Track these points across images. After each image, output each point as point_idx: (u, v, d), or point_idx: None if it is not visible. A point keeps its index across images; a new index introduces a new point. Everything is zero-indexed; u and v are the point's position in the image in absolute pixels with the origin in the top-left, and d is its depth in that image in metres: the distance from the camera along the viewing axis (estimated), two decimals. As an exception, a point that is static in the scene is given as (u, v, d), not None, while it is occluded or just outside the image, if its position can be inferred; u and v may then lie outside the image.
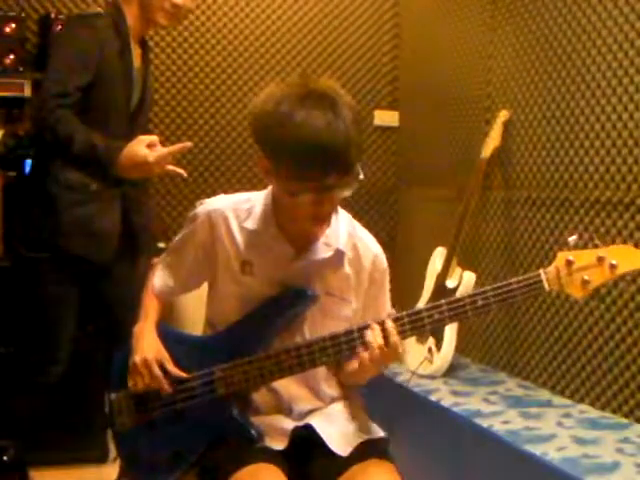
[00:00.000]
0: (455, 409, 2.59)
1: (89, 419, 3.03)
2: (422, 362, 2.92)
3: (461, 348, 3.22)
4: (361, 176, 1.58)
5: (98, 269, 2.50)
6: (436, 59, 3.65)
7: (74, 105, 2.30)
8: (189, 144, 2.20)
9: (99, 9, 2.65)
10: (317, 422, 1.68)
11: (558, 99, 2.79)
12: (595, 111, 2.61)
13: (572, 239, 1.60)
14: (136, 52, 2.51)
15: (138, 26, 2.49)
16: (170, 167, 2.21)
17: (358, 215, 1.83)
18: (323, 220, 1.65)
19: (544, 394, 2.77)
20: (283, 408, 1.72)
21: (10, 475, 2.63)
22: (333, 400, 1.77)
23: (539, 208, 2.87)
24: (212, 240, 1.74)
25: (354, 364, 1.67)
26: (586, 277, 1.57)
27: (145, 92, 2.57)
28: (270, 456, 1.62)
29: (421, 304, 3.01)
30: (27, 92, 3.13)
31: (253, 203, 1.74)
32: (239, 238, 1.72)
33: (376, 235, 1.82)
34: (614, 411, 2.52)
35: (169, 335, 1.80)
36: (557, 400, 2.70)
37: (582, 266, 1.58)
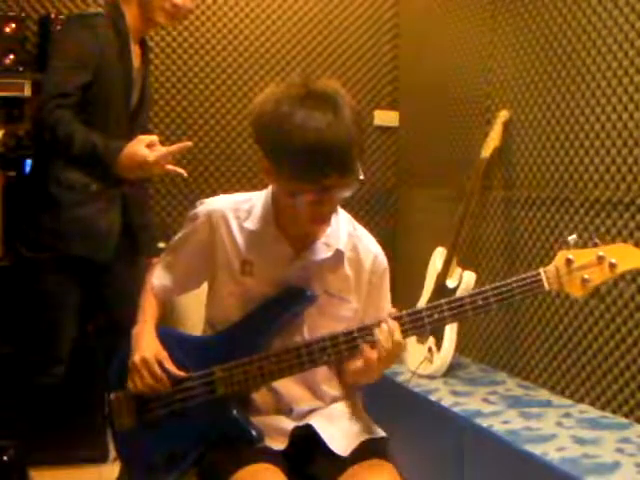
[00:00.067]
0: (455, 409, 2.59)
1: (89, 419, 3.03)
2: (422, 362, 2.92)
3: (461, 348, 3.22)
4: (361, 176, 1.58)
5: (98, 269, 2.50)
6: (436, 59, 3.65)
7: (74, 105, 2.29)
8: (189, 144, 2.20)
9: (99, 9, 2.65)
10: (317, 422, 1.68)
11: (558, 99, 2.79)
12: (595, 111, 2.61)
13: (572, 238, 1.60)
14: (136, 52, 2.51)
15: (138, 26, 2.48)
16: (170, 167, 2.21)
17: (358, 215, 1.83)
18: (323, 220, 1.66)
19: (544, 394, 2.77)
20: (283, 408, 1.72)
21: (10, 475, 2.63)
22: (333, 400, 1.77)
23: (539, 208, 2.87)
24: (212, 240, 1.74)
25: (358, 364, 1.67)
26: (586, 276, 1.57)
27: (144, 92, 2.58)
28: (270, 456, 1.62)
29: (421, 304, 3.01)
30: (27, 92, 3.13)
31: (253, 203, 1.74)
32: (239, 238, 1.73)
33: (376, 235, 1.82)
34: (614, 411, 2.52)
35: (169, 335, 1.80)
36: (557, 400, 2.70)
37: (582, 265, 1.58)
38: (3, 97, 3.17)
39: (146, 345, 1.74)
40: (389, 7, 4.04)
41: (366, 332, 1.63)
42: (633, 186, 2.46)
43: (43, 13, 3.43)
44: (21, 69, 3.17)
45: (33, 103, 2.93)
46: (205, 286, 1.82)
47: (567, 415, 2.52)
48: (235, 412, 1.69)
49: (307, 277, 1.71)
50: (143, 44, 2.58)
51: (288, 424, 1.70)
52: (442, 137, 3.53)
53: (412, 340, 2.98)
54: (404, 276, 3.26)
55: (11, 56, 3.17)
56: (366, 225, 1.82)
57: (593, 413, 2.55)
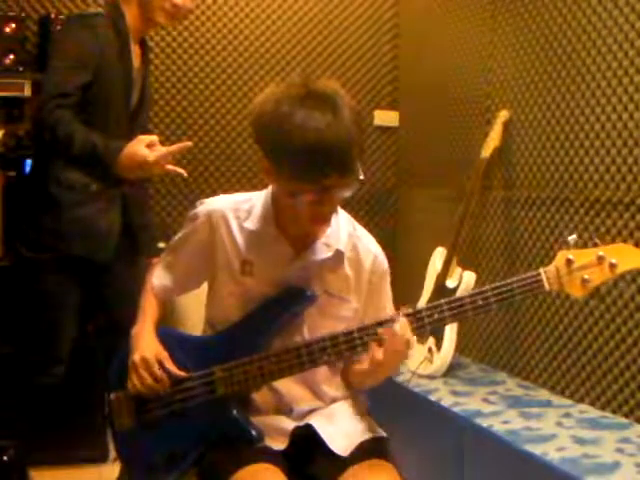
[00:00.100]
0: (455, 409, 2.59)
1: (89, 419, 3.03)
2: (422, 362, 2.92)
3: (461, 348, 3.22)
4: (361, 177, 1.58)
5: (98, 269, 2.50)
6: (436, 59, 3.65)
7: (74, 105, 2.30)
8: (189, 144, 2.20)
9: (99, 9, 2.65)
10: (317, 422, 1.68)
11: (558, 99, 2.79)
12: (595, 111, 2.61)
13: (572, 238, 1.59)
14: (136, 52, 2.51)
15: (138, 26, 2.48)
16: (170, 167, 2.21)
17: (358, 215, 1.83)
18: (323, 220, 1.66)
19: (544, 394, 2.77)
20: (283, 408, 1.72)
21: (10, 475, 2.63)
22: (333, 400, 1.77)
23: (539, 208, 2.87)
24: (212, 240, 1.74)
25: (365, 365, 1.66)
26: (586, 276, 1.57)
27: (144, 92, 2.58)
28: (270, 456, 1.62)
29: (421, 304, 3.01)
30: (27, 92, 3.13)
31: (253, 203, 1.74)
32: (239, 238, 1.73)
33: (376, 235, 1.82)
34: (614, 411, 2.52)
35: (169, 335, 1.80)
36: (557, 400, 2.70)
37: (582, 265, 1.57)
38: (3, 97, 3.17)
39: (146, 345, 1.74)
40: (389, 7, 4.04)
41: (366, 332, 1.63)
42: (633, 186, 2.46)
43: (43, 13, 3.43)
44: (21, 69, 3.17)
45: (33, 103, 2.93)
46: (205, 286, 1.82)
47: (567, 415, 2.52)
48: (235, 412, 1.69)
49: (307, 277, 1.71)
50: (143, 44, 2.58)
51: (288, 424, 1.70)
52: (442, 137, 3.53)
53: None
54: (404, 276, 3.25)
55: (11, 56, 3.17)
56: (366, 225, 1.82)
57: (593, 413, 2.55)
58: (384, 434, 1.75)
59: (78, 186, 2.43)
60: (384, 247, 1.81)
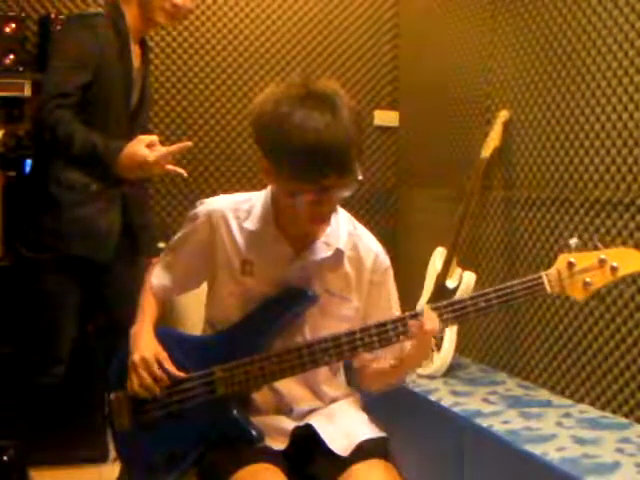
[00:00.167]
0: (455, 409, 2.59)
1: (89, 419, 3.03)
2: (422, 362, 2.92)
3: (461, 348, 3.22)
4: (360, 177, 1.58)
5: (98, 269, 2.50)
6: (436, 59, 3.65)
7: (74, 105, 2.30)
8: (189, 144, 2.20)
9: (99, 9, 2.65)
10: (317, 422, 1.68)
11: (558, 99, 2.79)
12: (595, 111, 2.61)
13: (573, 241, 1.60)
14: (136, 52, 2.51)
15: (138, 26, 2.48)
16: (170, 167, 2.21)
17: (358, 215, 1.83)
18: (322, 220, 1.66)
19: (544, 394, 2.77)
20: (283, 408, 1.73)
21: (10, 475, 2.63)
22: (333, 400, 1.78)
23: (539, 208, 2.87)
24: (212, 240, 1.74)
25: (384, 363, 1.71)
26: (587, 279, 1.58)
27: (144, 92, 2.58)
28: (270, 456, 1.63)
29: (421, 304, 3.00)
30: (27, 92, 3.13)
31: (253, 203, 1.74)
32: (239, 238, 1.73)
33: (376, 235, 1.82)
34: (614, 411, 2.52)
35: (168, 335, 1.80)
36: (557, 400, 2.70)
37: (583, 268, 1.58)
38: (3, 97, 3.17)
39: (145, 345, 1.74)
40: (389, 7, 4.04)
41: (367, 332, 1.63)
42: (633, 186, 2.46)
43: (43, 13, 3.43)
44: (21, 69, 3.17)
45: (33, 103, 2.93)
46: (205, 286, 1.82)
47: (567, 415, 2.52)
48: (235, 412, 1.69)
49: (307, 277, 1.71)
50: (143, 44, 2.58)
51: (288, 424, 1.70)
52: (442, 137, 3.53)
53: (412, 340, 2.98)
54: (404, 276, 3.25)
55: (11, 56, 3.17)
56: (366, 225, 1.82)
57: (593, 413, 2.55)
58: (384, 434, 1.75)
59: (78, 186, 2.43)
60: (384, 247, 1.81)
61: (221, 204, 1.76)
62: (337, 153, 1.51)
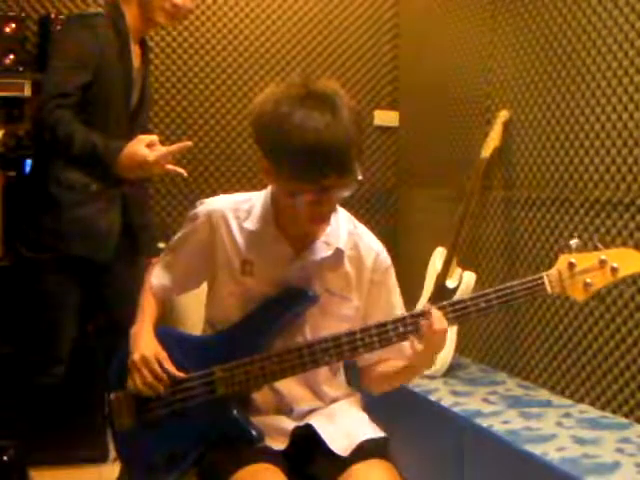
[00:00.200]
0: (455, 409, 2.59)
1: (89, 419, 3.03)
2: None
3: (461, 348, 3.22)
4: (360, 177, 1.58)
5: (98, 269, 2.50)
6: (436, 59, 3.65)
7: (74, 105, 2.30)
8: (189, 143, 2.20)
9: (99, 9, 2.65)
10: (317, 422, 1.68)
11: (558, 99, 2.79)
12: (595, 111, 2.61)
13: (574, 242, 1.60)
14: (136, 52, 2.51)
15: (138, 26, 2.48)
16: (170, 167, 2.21)
17: (358, 215, 1.83)
18: (322, 220, 1.66)
19: (544, 394, 2.77)
20: (283, 408, 1.72)
21: (10, 475, 2.63)
22: (333, 400, 1.78)
23: (539, 208, 2.87)
24: (212, 240, 1.74)
25: (390, 365, 1.71)
26: (588, 280, 1.58)
27: (144, 92, 2.58)
28: (270, 456, 1.62)
29: (421, 304, 3.00)
30: (27, 92, 3.13)
31: (253, 203, 1.74)
32: (239, 238, 1.73)
33: (376, 235, 1.82)
34: (614, 411, 2.52)
35: (168, 335, 1.79)
36: (557, 400, 2.70)
37: (584, 269, 1.58)
38: (3, 97, 3.17)
39: (145, 344, 1.74)
40: (389, 7, 4.04)
41: (367, 332, 1.63)
42: (633, 186, 2.46)
43: (43, 13, 3.43)
44: (21, 69, 3.17)
45: (33, 103, 2.93)
46: (205, 286, 1.81)
47: (567, 415, 2.53)
48: (235, 412, 1.69)
49: (307, 277, 1.71)
50: (143, 44, 2.58)
51: (288, 424, 1.70)
52: (442, 137, 3.53)
53: (412, 340, 2.98)
54: (404, 276, 3.24)
55: (11, 56, 3.17)
56: (366, 225, 1.82)
57: (593, 413, 2.55)
58: (384, 434, 1.75)
59: (78, 186, 2.43)
60: (384, 247, 1.81)
61: (221, 204, 1.76)
62: (337, 153, 1.51)
